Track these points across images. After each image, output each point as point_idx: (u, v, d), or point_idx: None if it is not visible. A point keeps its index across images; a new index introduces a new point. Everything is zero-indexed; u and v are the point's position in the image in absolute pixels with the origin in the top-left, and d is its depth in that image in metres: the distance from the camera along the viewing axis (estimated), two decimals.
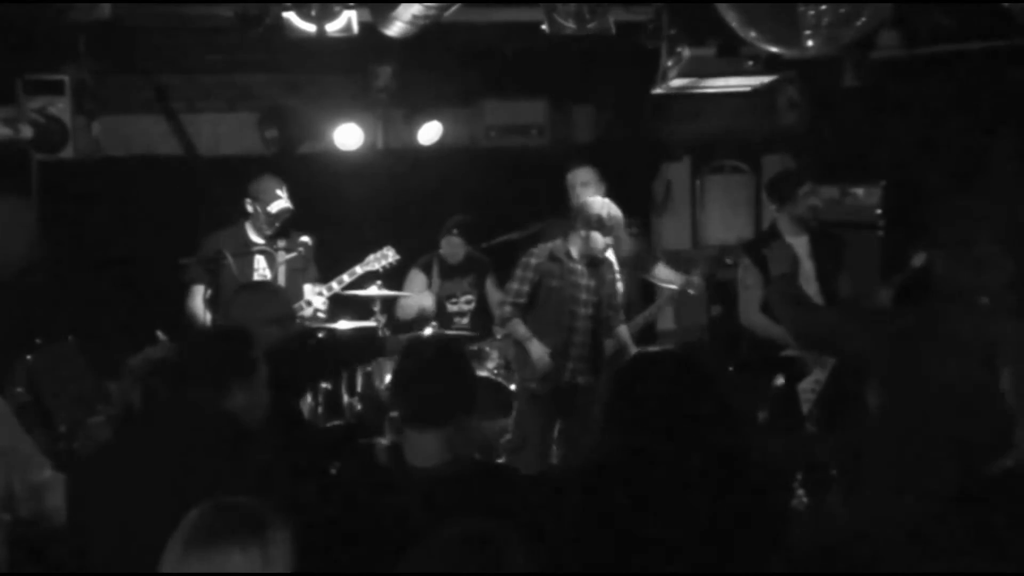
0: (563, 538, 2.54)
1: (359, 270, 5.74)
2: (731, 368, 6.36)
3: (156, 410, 2.94)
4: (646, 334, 6.47)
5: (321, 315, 5.57)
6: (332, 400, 5.80)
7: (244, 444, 2.70)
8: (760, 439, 5.14)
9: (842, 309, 5.27)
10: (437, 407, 2.67)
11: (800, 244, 5.37)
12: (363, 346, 6.06)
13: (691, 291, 5.93)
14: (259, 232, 5.51)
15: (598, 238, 5.32)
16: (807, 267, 5.35)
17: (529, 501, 2.69)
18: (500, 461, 5.69)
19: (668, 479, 2.47)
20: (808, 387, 5.19)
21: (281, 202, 5.44)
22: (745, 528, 2.47)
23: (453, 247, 6.41)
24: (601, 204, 5.39)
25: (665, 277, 6.07)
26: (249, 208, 5.50)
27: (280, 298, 4.16)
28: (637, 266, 6.02)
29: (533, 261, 5.44)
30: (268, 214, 5.44)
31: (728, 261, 5.96)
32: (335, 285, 5.67)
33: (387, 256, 5.81)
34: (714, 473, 2.48)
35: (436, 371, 2.72)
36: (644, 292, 6.22)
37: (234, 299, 4.34)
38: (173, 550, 1.95)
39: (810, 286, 5.34)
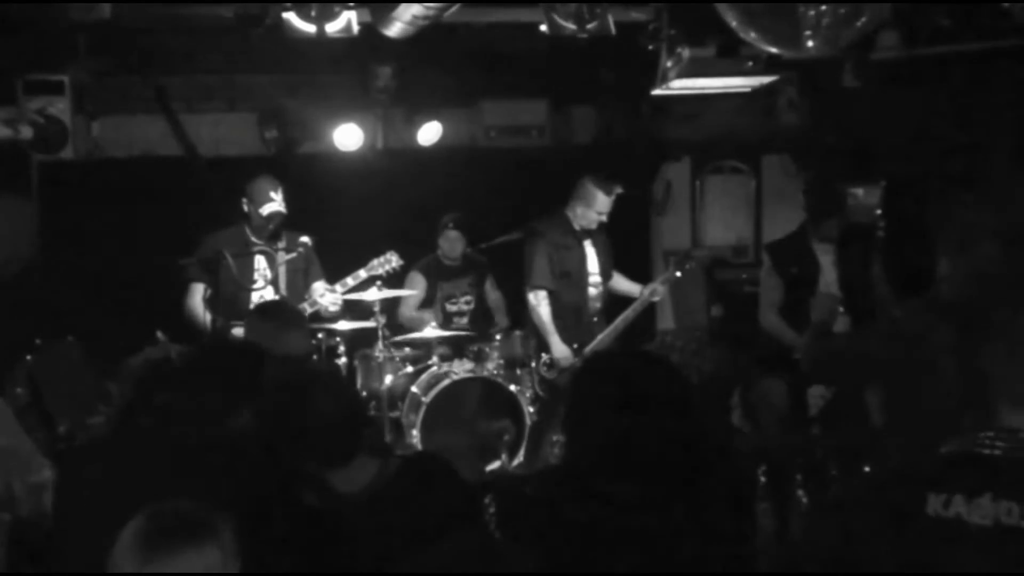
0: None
1: (363, 274, 5.73)
2: (742, 367, 6.38)
3: (155, 413, 2.83)
4: (646, 333, 6.47)
5: (335, 309, 5.58)
6: None
7: (239, 463, 2.62)
8: (757, 439, 5.15)
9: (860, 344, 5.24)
10: (357, 440, 2.64)
11: (826, 251, 5.35)
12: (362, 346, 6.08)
13: (654, 298, 5.98)
14: (256, 233, 5.50)
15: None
16: (829, 277, 5.31)
17: (462, 483, 2.71)
18: (500, 462, 5.70)
19: (628, 501, 2.33)
20: (818, 392, 5.19)
21: (272, 205, 5.40)
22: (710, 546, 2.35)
23: (451, 241, 6.41)
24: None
25: (623, 288, 6.07)
26: (245, 208, 5.50)
27: (294, 333, 3.66)
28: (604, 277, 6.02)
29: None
30: (260, 216, 5.42)
31: (688, 266, 6.03)
32: (339, 288, 5.67)
33: (391, 261, 5.81)
34: (677, 489, 2.34)
35: (345, 408, 2.65)
36: (620, 300, 6.21)
37: (248, 324, 4.00)
38: (126, 560, 1.93)
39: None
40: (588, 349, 5.75)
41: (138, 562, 1.92)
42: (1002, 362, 1.86)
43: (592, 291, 5.86)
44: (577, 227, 5.82)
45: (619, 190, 5.71)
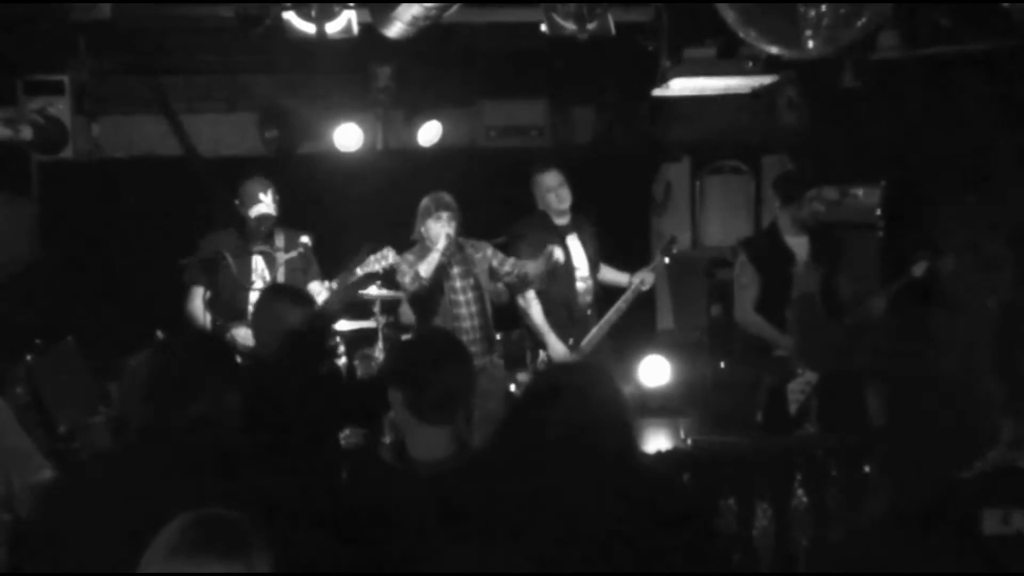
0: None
1: (359, 271, 5.73)
2: (723, 365, 6.40)
3: (148, 428, 2.72)
4: (645, 334, 6.47)
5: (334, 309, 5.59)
6: None
7: (233, 459, 2.58)
8: (757, 439, 5.15)
9: (849, 328, 5.26)
10: (456, 402, 2.71)
11: (800, 244, 5.39)
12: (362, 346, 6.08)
13: (643, 287, 5.94)
14: (249, 235, 5.49)
15: (432, 226, 5.41)
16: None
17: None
18: None
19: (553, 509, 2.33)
20: (798, 388, 5.21)
21: (260, 207, 5.38)
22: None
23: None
24: (431, 194, 5.52)
25: (611, 278, 6.07)
26: (239, 211, 5.50)
27: (301, 310, 3.71)
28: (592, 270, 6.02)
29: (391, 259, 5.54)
30: (248, 218, 5.41)
31: (673, 250, 6.08)
32: (334, 284, 5.67)
33: (387, 257, 5.80)
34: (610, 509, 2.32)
35: (456, 366, 2.75)
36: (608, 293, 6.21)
37: (257, 303, 4.06)
38: (154, 559, 1.91)
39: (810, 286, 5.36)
40: (583, 343, 5.76)
41: (159, 565, 1.90)
42: None
43: (580, 285, 5.86)
44: (557, 223, 5.85)
45: (552, 166, 5.85)
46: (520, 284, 5.72)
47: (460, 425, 2.76)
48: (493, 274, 5.71)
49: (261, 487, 2.50)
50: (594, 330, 5.83)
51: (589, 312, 5.89)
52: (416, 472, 2.67)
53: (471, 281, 5.55)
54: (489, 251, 5.64)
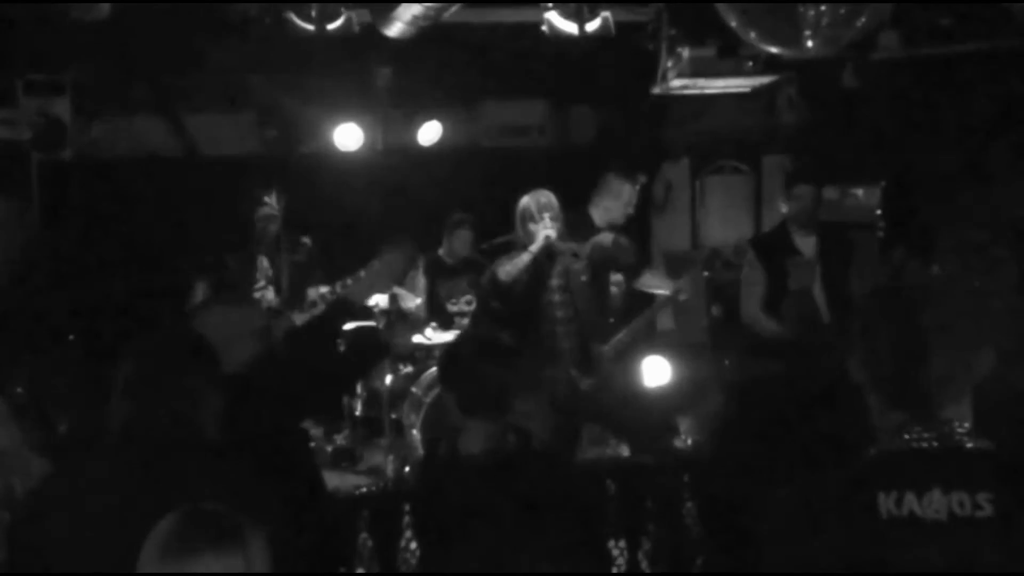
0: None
1: (363, 275, 5.72)
2: (727, 362, 6.40)
3: (127, 428, 2.71)
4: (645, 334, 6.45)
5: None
6: None
7: (216, 459, 2.53)
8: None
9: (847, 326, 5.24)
10: (500, 400, 2.87)
11: (808, 243, 5.36)
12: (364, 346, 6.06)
13: (681, 297, 5.71)
14: (256, 237, 5.53)
15: (533, 229, 5.14)
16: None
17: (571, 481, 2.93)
18: None
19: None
20: None
21: (265, 209, 5.46)
22: None
23: (463, 241, 6.39)
24: (532, 194, 5.24)
25: (653, 284, 6.00)
26: (246, 212, 5.54)
27: (255, 310, 3.53)
28: (627, 274, 5.95)
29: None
30: (255, 221, 5.48)
31: (719, 264, 5.95)
32: (340, 288, 5.67)
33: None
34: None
35: (498, 366, 2.90)
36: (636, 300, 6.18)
37: (206, 312, 3.59)
38: (149, 557, 1.92)
39: (814, 287, 5.33)
40: (606, 348, 5.67)
41: (154, 562, 1.91)
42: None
43: (612, 289, 5.84)
44: (598, 225, 5.79)
45: (643, 179, 5.66)
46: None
47: (515, 421, 2.89)
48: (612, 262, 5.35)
49: (241, 485, 2.46)
50: (620, 335, 5.73)
51: (612, 319, 5.83)
52: (459, 463, 2.83)
53: (568, 296, 5.26)
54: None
